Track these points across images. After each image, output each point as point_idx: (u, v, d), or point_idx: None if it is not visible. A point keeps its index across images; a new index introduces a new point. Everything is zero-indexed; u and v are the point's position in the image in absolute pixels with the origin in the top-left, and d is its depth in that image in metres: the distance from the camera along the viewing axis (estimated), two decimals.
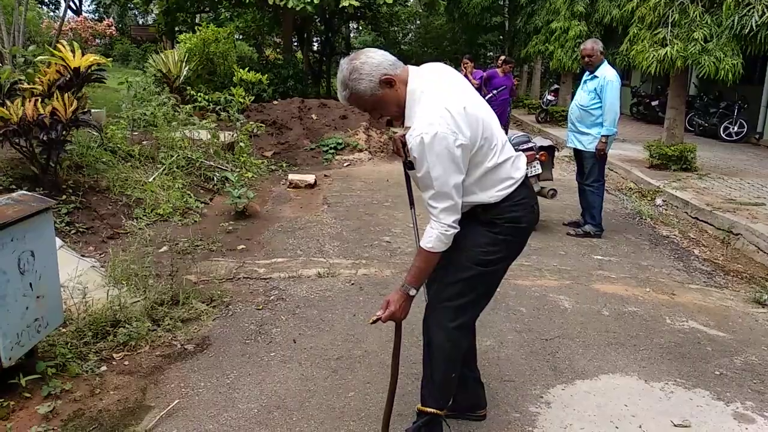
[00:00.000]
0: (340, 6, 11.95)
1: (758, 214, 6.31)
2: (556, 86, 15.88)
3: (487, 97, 9.89)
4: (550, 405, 2.84)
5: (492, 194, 2.22)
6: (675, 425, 2.71)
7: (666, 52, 7.97)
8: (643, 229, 6.13)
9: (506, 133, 5.60)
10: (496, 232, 2.26)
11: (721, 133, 12.42)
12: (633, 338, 3.57)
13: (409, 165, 2.27)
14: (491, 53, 23.99)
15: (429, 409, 2.38)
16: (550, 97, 15.49)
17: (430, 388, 2.39)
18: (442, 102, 2.08)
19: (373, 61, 2.14)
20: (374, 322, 2.29)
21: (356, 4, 11.81)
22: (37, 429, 2.56)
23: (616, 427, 2.68)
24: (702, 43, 7.80)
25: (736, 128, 12.37)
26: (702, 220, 6.54)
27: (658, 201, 7.46)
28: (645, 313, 3.95)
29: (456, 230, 2.15)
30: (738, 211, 6.43)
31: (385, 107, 2.21)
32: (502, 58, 9.70)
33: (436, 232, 2.13)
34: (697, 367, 3.26)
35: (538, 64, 19.04)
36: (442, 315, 2.31)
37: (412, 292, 2.24)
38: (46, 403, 2.72)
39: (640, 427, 2.69)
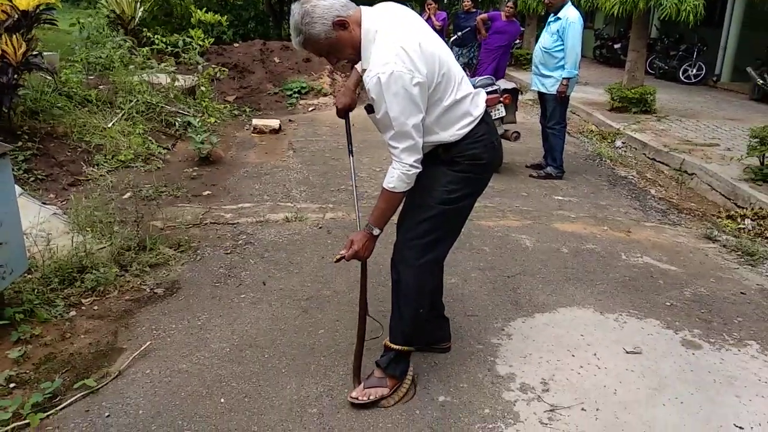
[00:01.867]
0: None
1: (712, 155, 6.54)
2: (521, 29, 15.75)
3: (454, 38, 9.77)
4: (510, 337, 2.98)
5: (452, 133, 2.25)
6: (627, 352, 2.88)
7: None
8: (602, 171, 6.29)
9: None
10: (457, 170, 2.30)
11: (681, 75, 12.63)
12: (590, 273, 3.74)
13: (368, 108, 2.28)
14: None
15: (397, 347, 2.47)
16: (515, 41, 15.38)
17: (400, 324, 2.48)
18: (397, 40, 2.07)
19: (324, 3, 2.11)
20: (338, 260, 2.35)
21: None
22: (9, 373, 2.58)
23: (573, 356, 2.84)
24: None
25: (694, 71, 12.59)
26: (659, 161, 6.75)
27: (618, 143, 7.63)
28: (602, 249, 4.12)
29: (418, 170, 2.19)
30: (693, 151, 6.65)
31: (341, 50, 2.19)
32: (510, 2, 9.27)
33: (398, 172, 2.17)
34: (649, 298, 3.45)
35: (503, 6, 18.76)
36: (409, 253, 2.38)
37: (376, 231, 2.30)
38: (16, 348, 2.74)
39: (595, 354, 2.85)
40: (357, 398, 2.43)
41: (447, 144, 2.28)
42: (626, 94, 8.96)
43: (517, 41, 14.54)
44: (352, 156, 2.67)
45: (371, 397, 2.43)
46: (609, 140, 7.77)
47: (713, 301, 3.44)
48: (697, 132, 7.85)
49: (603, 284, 3.60)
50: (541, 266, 3.81)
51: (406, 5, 2.40)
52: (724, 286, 3.65)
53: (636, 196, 5.50)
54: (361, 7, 2.19)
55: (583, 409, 2.45)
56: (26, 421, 2.30)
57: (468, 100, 2.28)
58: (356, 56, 2.20)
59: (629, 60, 9.38)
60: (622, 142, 7.62)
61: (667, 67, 13.13)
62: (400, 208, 2.40)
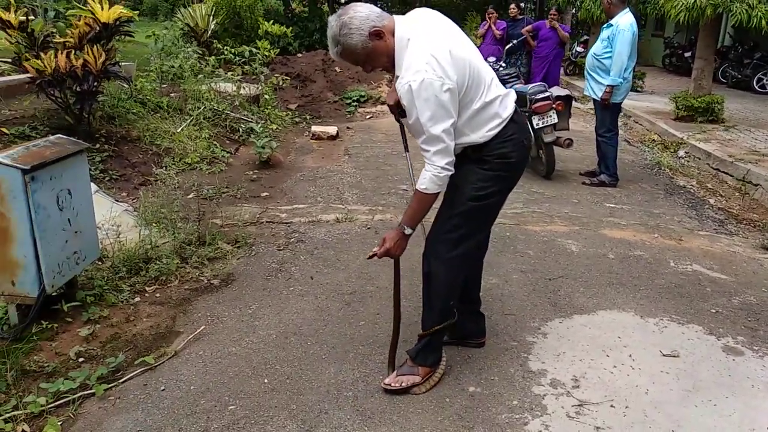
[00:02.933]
0: None
1: None
2: (585, 37, 15.52)
3: (507, 47, 9.81)
4: (546, 335, 3.03)
5: (482, 134, 2.35)
6: (664, 355, 2.88)
7: (695, 0, 7.79)
8: (660, 180, 6.17)
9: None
10: (486, 169, 2.40)
11: (755, 84, 12.10)
12: (634, 279, 3.72)
13: (401, 113, 2.42)
14: (523, 3, 23.36)
15: (428, 331, 2.58)
16: (579, 49, 15.15)
17: (430, 315, 2.59)
18: (428, 48, 2.18)
19: (361, 14, 2.23)
20: (370, 257, 2.50)
21: None
22: (78, 348, 2.86)
23: (607, 356, 2.86)
24: None
25: None
26: (723, 171, 6.54)
27: (681, 153, 7.43)
28: (650, 256, 4.08)
29: (449, 172, 2.28)
30: (760, 162, 6.40)
31: (376, 59, 2.31)
32: (552, 10, 9.52)
33: (429, 174, 2.27)
34: (693, 305, 3.41)
35: (569, 15, 18.54)
36: (440, 247, 2.49)
37: (408, 231, 2.40)
38: (86, 327, 3.02)
39: (630, 356, 2.86)
40: (389, 384, 2.55)
41: (476, 145, 2.38)
42: (692, 103, 8.70)
43: (581, 49, 14.35)
44: (408, 152, 2.82)
45: (402, 384, 2.55)
46: (671, 150, 7.58)
47: (762, 310, 3.36)
48: (767, 142, 7.54)
49: (647, 290, 3.58)
50: (585, 270, 3.82)
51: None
52: None
53: (693, 205, 5.37)
54: (395, 16, 2.33)
55: (612, 405, 2.48)
56: (92, 391, 2.56)
57: (497, 102, 2.37)
58: (390, 64, 2.32)
59: (696, 68, 9.11)
60: (685, 152, 7.42)
61: (740, 76, 12.62)
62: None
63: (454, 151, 2.31)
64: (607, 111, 5.59)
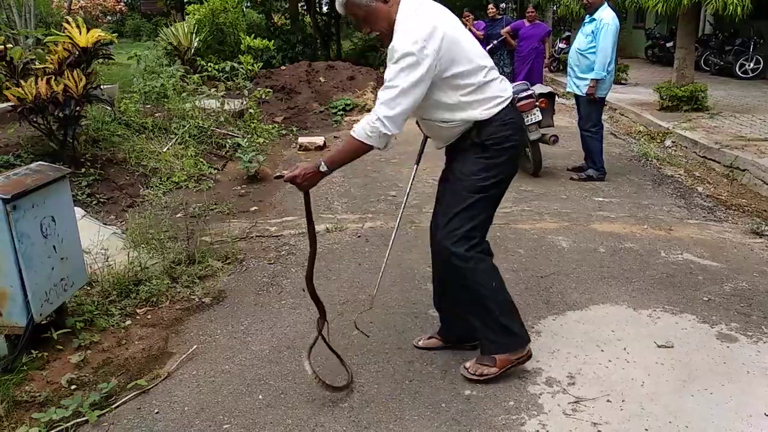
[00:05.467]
0: None
1: (766, 149, 6.31)
2: (567, 33, 15.62)
3: (488, 48, 9.86)
4: (540, 334, 3.02)
5: (483, 110, 2.40)
6: (658, 346, 2.88)
7: None
8: (647, 171, 6.19)
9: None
10: (487, 157, 2.43)
11: (737, 70, 12.20)
12: (626, 272, 3.72)
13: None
14: (503, 4, 23.50)
15: (497, 359, 2.57)
16: (561, 45, 15.24)
17: (485, 332, 2.57)
18: (430, 20, 2.28)
19: None
20: (277, 177, 2.48)
21: None
22: (70, 376, 2.82)
23: (602, 350, 2.86)
24: None
25: (752, 65, 12.15)
26: (710, 159, 6.57)
27: (668, 143, 7.47)
28: (640, 248, 4.08)
29: (384, 131, 2.26)
30: (746, 147, 6.44)
31: (376, 21, 2.37)
32: (529, 8, 9.63)
33: (366, 121, 2.29)
34: (686, 294, 3.41)
35: (550, 12, 18.66)
36: (456, 246, 2.46)
37: (323, 168, 2.35)
38: (77, 354, 2.98)
39: (625, 349, 2.86)
40: (468, 369, 2.61)
41: (480, 123, 2.40)
42: (676, 92, 8.77)
43: (564, 46, 14.42)
44: (417, 165, 2.89)
45: (477, 373, 2.60)
46: (658, 140, 7.62)
47: (754, 295, 3.37)
48: (752, 127, 7.59)
49: (639, 282, 3.58)
50: (576, 266, 3.82)
51: None
52: (767, 280, 3.56)
53: (681, 194, 5.39)
54: None
55: (608, 400, 2.48)
56: (85, 418, 2.52)
57: (497, 83, 2.46)
58: (388, 33, 2.36)
59: (677, 57, 9.19)
60: (672, 142, 7.46)
61: (722, 63, 12.72)
62: (434, 209, 2.58)
63: (454, 133, 2.42)
64: (593, 106, 5.61)
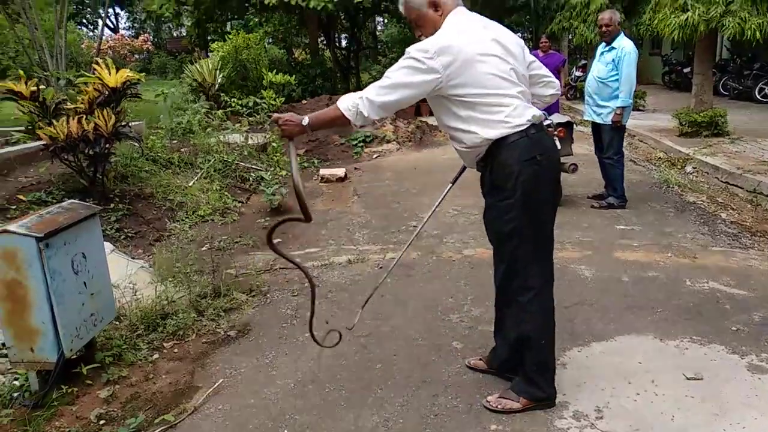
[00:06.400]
0: (355, 2, 12.14)
1: None
2: (583, 62, 15.72)
3: None
4: (565, 366, 3.00)
5: (490, 130, 2.39)
6: (687, 378, 2.83)
7: (687, 17, 7.89)
8: (669, 197, 6.15)
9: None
10: (502, 199, 2.43)
11: (757, 94, 12.13)
12: (651, 301, 3.69)
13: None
14: (519, 33, 23.77)
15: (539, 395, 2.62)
16: (577, 73, 15.34)
17: (527, 375, 2.63)
18: (452, 37, 2.36)
19: None
20: (270, 117, 2.61)
21: None
22: (99, 411, 2.87)
23: (629, 383, 2.82)
24: (723, 5, 7.68)
25: None
26: (732, 184, 6.51)
27: (688, 168, 7.42)
28: (665, 276, 4.05)
29: (362, 111, 2.36)
30: None
31: (424, 26, 2.51)
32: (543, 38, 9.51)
33: (353, 95, 2.40)
34: (714, 324, 3.36)
35: (565, 41, 18.81)
36: (513, 299, 2.57)
37: (305, 122, 2.44)
38: (105, 389, 3.04)
39: (653, 381, 2.82)
40: (490, 403, 2.63)
41: (491, 154, 2.43)
42: (695, 118, 8.74)
43: (580, 74, 14.48)
44: (452, 185, 2.95)
45: (500, 407, 2.62)
46: (679, 166, 7.58)
47: None
48: None
49: (665, 311, 3.55)
50: (600, 296, 3.80)
51: None
52: None
53: (705, 221, 5.34)
54: (461, 7, 2.51)
55: None
56: None
57: (510, 108, 2.39)
58: None
59: (695, 83, 9.18)
60: (693, 168, 7.41)
61: (741, 87, 12.66)
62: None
63: (471, 154, 2.49)
64: (616, 133, 5.63)
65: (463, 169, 2.91)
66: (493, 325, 2.89)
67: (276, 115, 2.53)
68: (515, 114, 2.39)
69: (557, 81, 2.76)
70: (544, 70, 2.71)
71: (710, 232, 5.01)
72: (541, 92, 2.70)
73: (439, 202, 3.00)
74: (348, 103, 2.38)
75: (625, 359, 3.03)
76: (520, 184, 2.37)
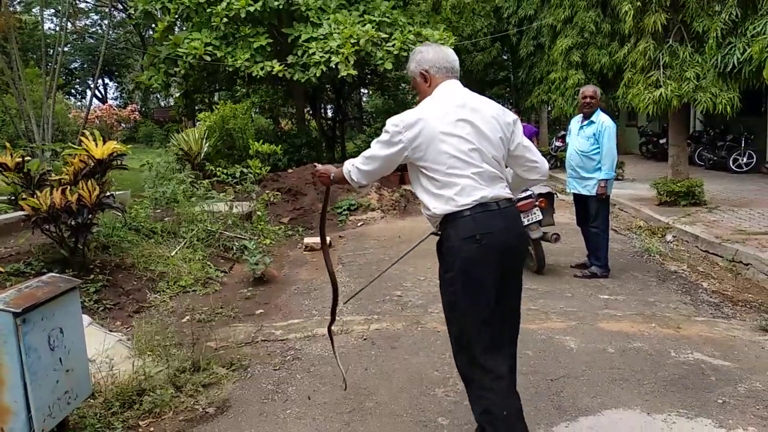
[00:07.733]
0: (339, 76, 12.55)
1: (767, 243, 6.36)
2: (563, 132, 16.19)
3: None
4: None
5: (436, 205, 2.50)
6: None
7: (660, 93, 8.23)
8: (650, 266, 6.22)
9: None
10: (444, 272, 2.52)
11: (731, 164, 12.51)
12: (637, 373, 3.66)
13: None
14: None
15: None
16: (557, 144, 15.79)
17: None
18: (422, 113, 2.51)
19: (428, 56, 2.65)
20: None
21: (354, 73, 12.34)
22: None
23: None
24: (695, 81, 8.05)
25: (745, 159, 12.47)
26: (712, 253, 6.61)
27: (669, 237, 7.55)
28: (650, 347, 4.04)
29: (352, 176, 2.66)
30: (747, 241, 6.50)
31: (419, 93, 2.74)
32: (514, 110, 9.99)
33: (349, 162, 2.71)
34: (700, 397, 3.34)
35: (544, 113, 19.46)
36: (469, 372, 2.56)
37: (332, 176, 2.84)
38: None
39: None
40: None
41: (442, 227, 2.53)
42: (673, 188, 8.96)
43: (560, 144, 14.90)
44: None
45: None
46: (659, 235, 7.70)
47: None
48: (751, 221, 7.69)
49: (651, 384, 3.52)
50: (586, 368, 3.77)
51: None
52: None
53: (687, 290, 5.38)
54: (454, 81, 2.64)
55: None
56: None
57: (458, 188, 2.43)
58: None
59: (671, 154, 9.47)
60: (673, 236, 7.53)
61: (716, 158, 13.07)
62: None
63: (430, 217, 2.60)
64: (602, 204, 5.74)
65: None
66: None
67: (318, 167, 2.98)
68: (463, 193, 2.43)
69: (545, 166, 2.75)
70: (531, 154, 2.69)
71: (692, 302, 5.04)
72: (525, 175, 2.74)
73: (416, 246, 3.15)
74: (347, 168, 2.69)
75: None
76: (459, 260, 2.44)
